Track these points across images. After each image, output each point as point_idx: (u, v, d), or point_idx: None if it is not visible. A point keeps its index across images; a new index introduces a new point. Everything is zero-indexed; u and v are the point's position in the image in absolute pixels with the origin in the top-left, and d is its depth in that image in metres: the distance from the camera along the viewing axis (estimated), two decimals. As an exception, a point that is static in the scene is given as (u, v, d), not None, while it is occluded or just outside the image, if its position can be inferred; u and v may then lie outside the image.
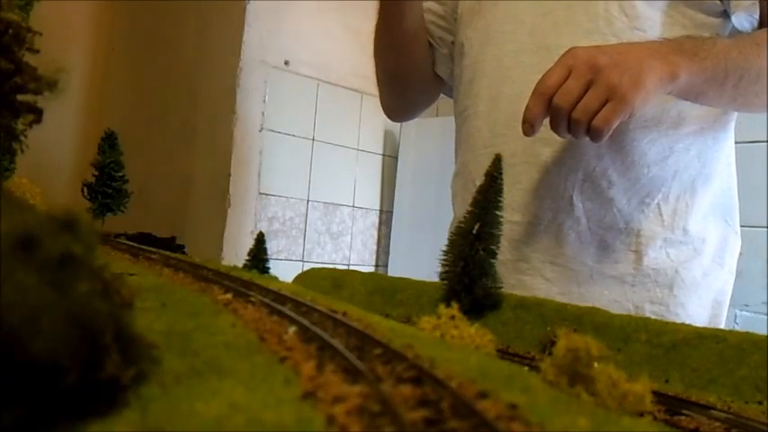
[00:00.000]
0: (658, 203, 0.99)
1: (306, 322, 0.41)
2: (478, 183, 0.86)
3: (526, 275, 1.02)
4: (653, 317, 0.89)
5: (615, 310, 0.86)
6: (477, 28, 1.10)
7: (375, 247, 2.43)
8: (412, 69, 1.21)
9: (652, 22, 0.98)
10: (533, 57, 1.00)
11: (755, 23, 0.99)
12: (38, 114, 0.52)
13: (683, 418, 0.44)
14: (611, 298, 0.97)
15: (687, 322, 0.92)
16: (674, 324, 0.68)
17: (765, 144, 1.42)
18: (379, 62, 1.24)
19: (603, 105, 0.82)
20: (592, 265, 0.99)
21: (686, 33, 0.97)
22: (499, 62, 1.05)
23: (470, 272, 0.75)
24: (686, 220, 1.01)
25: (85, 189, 1.07)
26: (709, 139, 1.02)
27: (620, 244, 0.99)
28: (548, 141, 0.98)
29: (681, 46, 0.89)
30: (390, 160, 2.44)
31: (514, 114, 0.93)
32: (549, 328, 0.65)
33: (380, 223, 2.44)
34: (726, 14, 1.01)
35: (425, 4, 1.20)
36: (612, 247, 0.99)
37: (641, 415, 0.34)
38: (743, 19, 0.99)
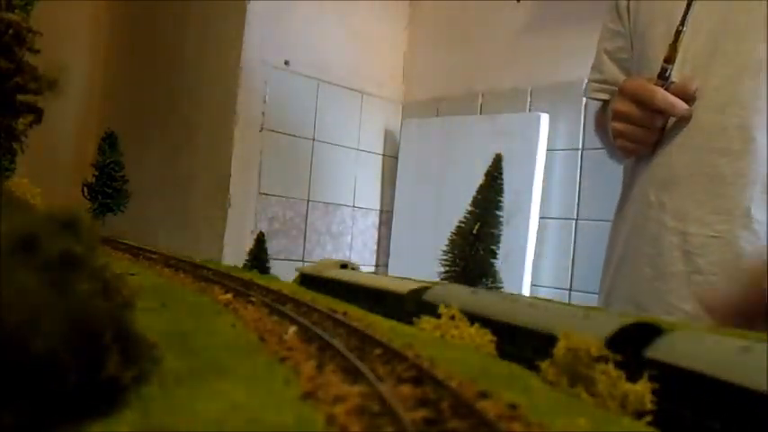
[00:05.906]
0: None
1: (306, 322, 0.41)
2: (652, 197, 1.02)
3: (698, 287, 1.00)
4: None
5: None
6: (656, 44, 1.07)
7: (375, 247, 2.43)
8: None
9: None
10: (708, 59, 0.99)
11: None
12: (38, 114, 0.52)
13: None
14: None
15: None
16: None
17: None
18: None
19: None
20: None
21: None
22: (678, 71, 1.03)
23: (470, 272, 0.75)
24: None
25: (85, 189, 1.07)
26: None
27: None
28: (724, 151, 0.96)
29: None
30: (390, 160, 2.43)
31: (688, 124, 0.96)
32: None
33: (380, 223, 2.44)
34: None
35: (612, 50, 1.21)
36: None
37: (641, 415, 0.34)
38: None
